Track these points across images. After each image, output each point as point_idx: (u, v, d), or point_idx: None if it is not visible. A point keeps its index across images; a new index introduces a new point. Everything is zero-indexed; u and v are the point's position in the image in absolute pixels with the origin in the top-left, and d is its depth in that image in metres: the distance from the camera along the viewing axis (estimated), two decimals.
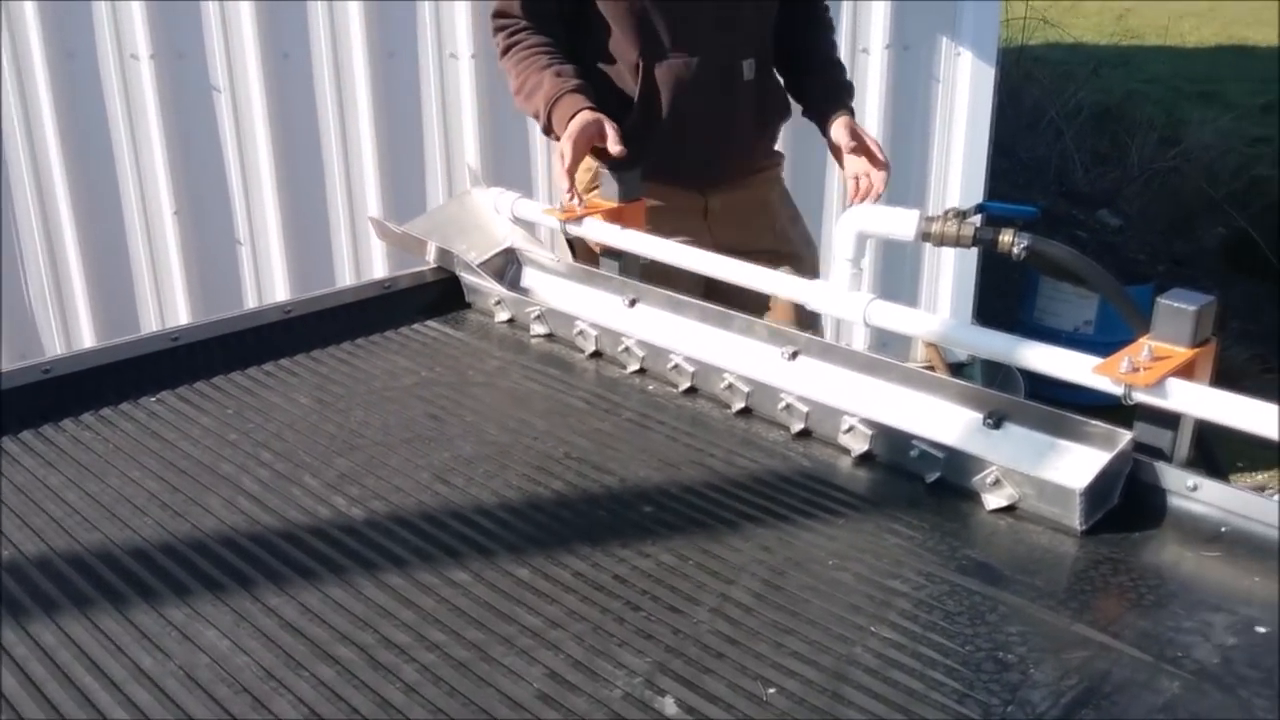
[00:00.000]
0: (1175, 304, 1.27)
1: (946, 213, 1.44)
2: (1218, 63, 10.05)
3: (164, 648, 1.07)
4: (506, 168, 3.23)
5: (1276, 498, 1.22)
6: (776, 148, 2.35)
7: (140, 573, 1.19)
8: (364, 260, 3.39)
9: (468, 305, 1.93)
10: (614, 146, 1.92)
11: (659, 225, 1.98)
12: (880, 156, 2.14)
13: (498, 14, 2.12)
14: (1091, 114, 6.80)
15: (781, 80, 2.29)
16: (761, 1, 2.16)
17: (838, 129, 2.14)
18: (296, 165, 3.29)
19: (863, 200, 2.08)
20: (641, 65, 2.08)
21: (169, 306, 3.37)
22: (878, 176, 2.10)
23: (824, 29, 2.31)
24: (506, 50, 2.10)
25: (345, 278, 3.33)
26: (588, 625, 1.12)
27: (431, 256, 1.94)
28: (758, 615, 1.13)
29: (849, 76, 2.32)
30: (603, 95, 2.07)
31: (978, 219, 1.58)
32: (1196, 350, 1.26)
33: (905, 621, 1.12)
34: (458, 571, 1.21)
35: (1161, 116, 7.29)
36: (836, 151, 2.17)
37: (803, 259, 2.28)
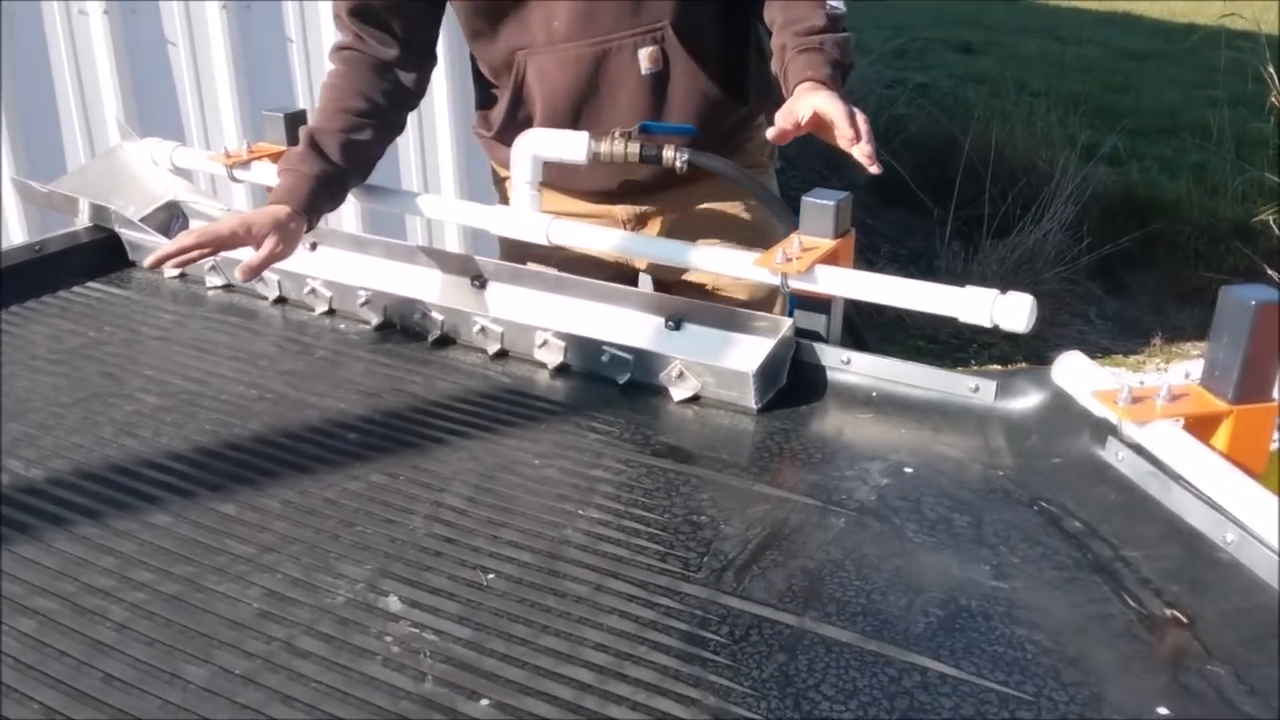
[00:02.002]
0: (818, 200, 1.42)
1: (613, 133, 1.53)
2: (855, 13, 11.01)
3: None
4: (155, 121, 3.04)
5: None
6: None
7: None
8: None
9: (132, 264, 1.83)
10: (238, 273, 1.50)
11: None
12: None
13: (335, 15, 1.71)
14: None
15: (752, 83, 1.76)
16: None
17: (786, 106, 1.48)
18: None
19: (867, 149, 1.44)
20: (515, 59, 1.68)
21: None
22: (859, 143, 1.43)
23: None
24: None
25: None
26: (303, 546, 1.12)
27: (85, 215, 1.82)
28: (471, 515, 1.18)
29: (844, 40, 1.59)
30: (482, 93, 1.79)
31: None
32: (838, 240, 1.42)
33: (609, 502, 1.20)
34: (158, 515, 1.17)
35: None
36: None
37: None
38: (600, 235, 1.55)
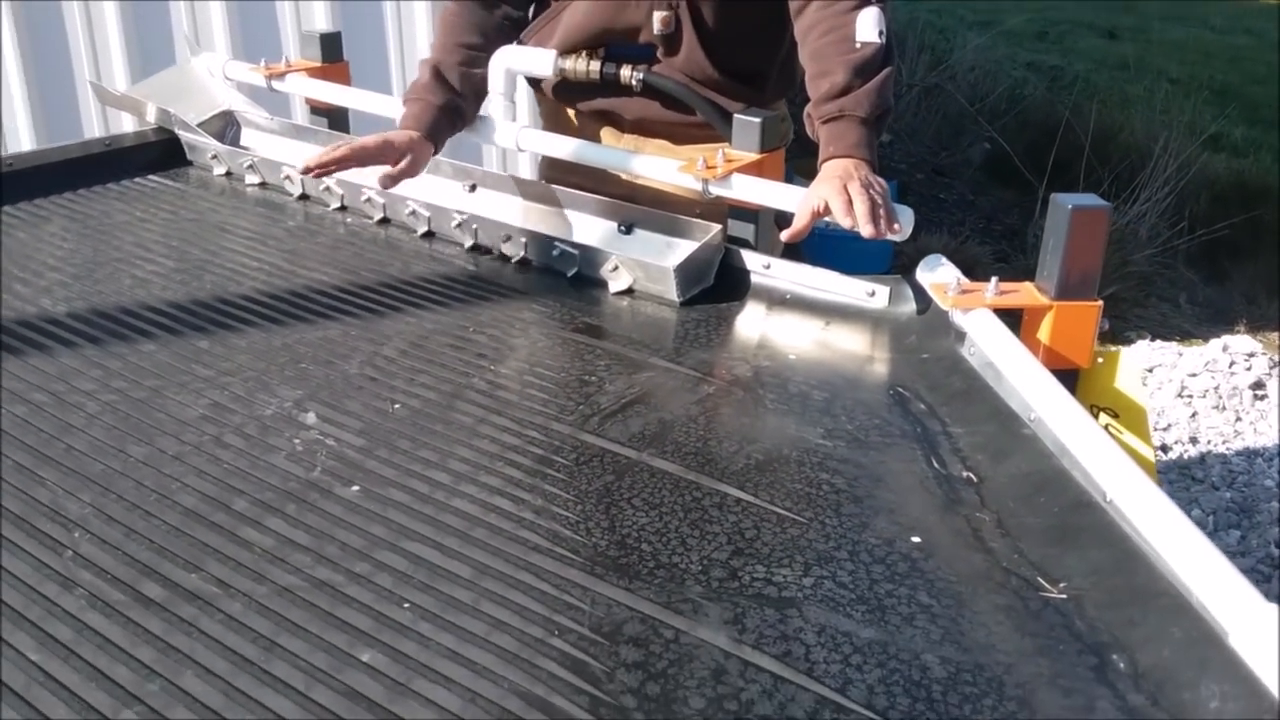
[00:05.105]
0: (746, 118, 1.58)
1: (580, 52, 1.70)
2: None
3: None
4: (257, 45, 3.33)
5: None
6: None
7: None
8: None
9: (189, 163, 2.09)
10: (381, 179, 1.65)
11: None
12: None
13: None
14: None
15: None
16: None
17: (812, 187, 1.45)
18: (40, 47, 3.28)
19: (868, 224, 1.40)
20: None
21: None
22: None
23: (824, 20, 1.57)
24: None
25: None
26: (254, 374, 1.35)
27: (151, 117, 2.09)
28: (399, 363, 1.38)
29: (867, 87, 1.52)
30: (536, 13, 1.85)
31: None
32: (764, 155, 1.56)
33: (517, 361, 1.39)
34: (145, 345, 1.41)
35: (943, 43, 7.87)
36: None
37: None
38: (561, 143, 1.73)
